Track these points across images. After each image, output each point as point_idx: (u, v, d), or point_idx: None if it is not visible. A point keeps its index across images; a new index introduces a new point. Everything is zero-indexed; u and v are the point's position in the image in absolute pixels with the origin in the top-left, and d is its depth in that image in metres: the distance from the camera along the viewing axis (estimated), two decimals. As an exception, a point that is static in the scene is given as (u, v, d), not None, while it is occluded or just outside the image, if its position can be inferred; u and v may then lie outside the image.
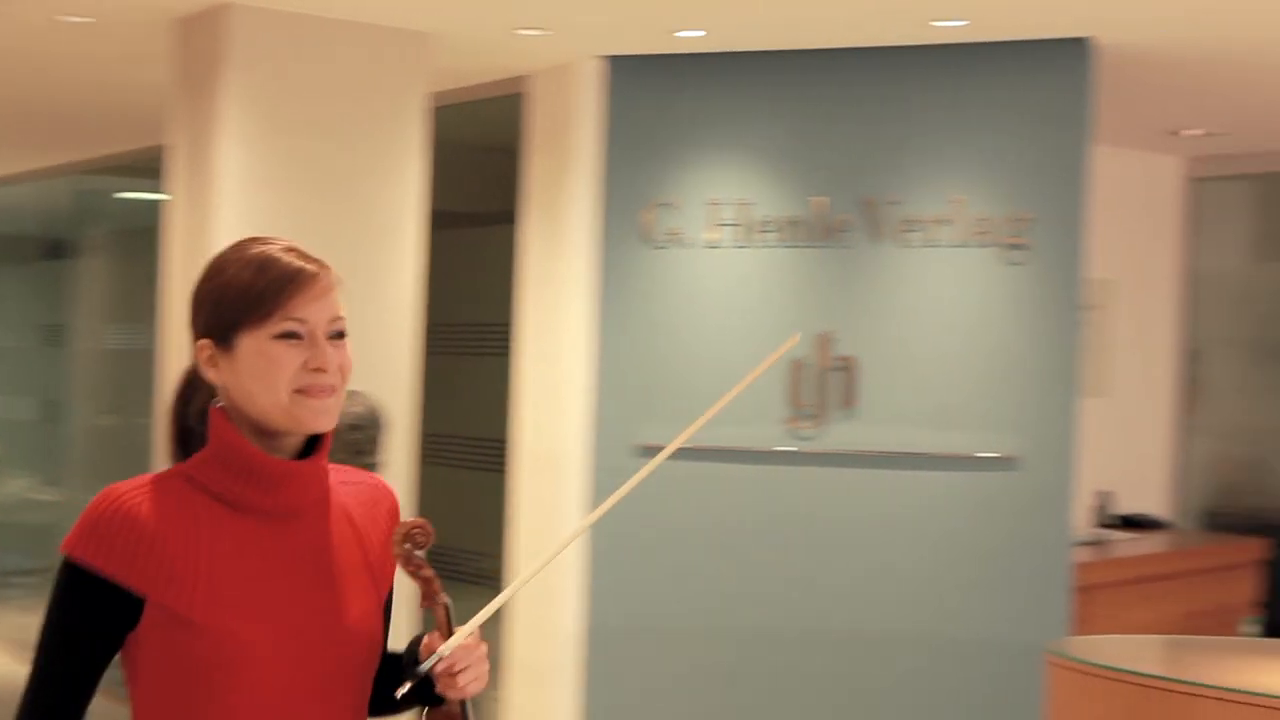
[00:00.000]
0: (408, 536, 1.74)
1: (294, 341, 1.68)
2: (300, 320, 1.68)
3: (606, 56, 4.88)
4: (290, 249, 1.72)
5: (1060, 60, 4.53)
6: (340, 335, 1.72)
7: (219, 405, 1.71)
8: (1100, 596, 4.98)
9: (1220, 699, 3.08)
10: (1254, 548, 6.00)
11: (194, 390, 1.77)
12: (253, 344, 1.67)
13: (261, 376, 1.67)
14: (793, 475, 4.68)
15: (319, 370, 1.68)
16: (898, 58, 4.65)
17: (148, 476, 1.70)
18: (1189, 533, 6.51)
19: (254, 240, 1.74)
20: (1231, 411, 6.47)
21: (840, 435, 4.65)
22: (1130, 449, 6.37)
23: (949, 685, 4.54)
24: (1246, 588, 5.94)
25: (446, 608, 1.77)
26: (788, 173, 4.75)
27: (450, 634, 1.73)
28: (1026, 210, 4.54)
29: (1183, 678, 3.25)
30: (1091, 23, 4.37)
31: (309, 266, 1.70)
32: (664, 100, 4.86)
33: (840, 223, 4.67)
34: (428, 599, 1.77)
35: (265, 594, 1.69)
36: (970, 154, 4.65)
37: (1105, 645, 3.83)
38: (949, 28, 4.38)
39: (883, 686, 4.57)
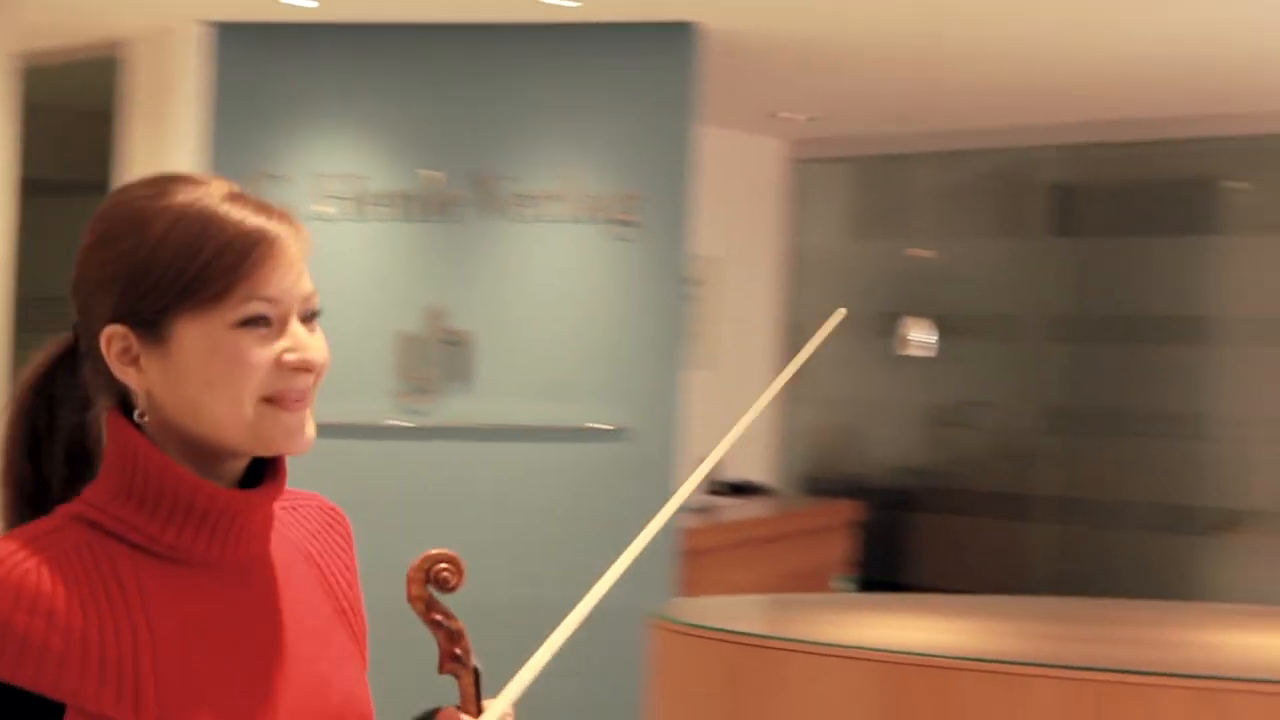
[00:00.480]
0: (433, 576, 1.31)
1: (261, 330, 1.21)
2: (269, 300, 1.21)
3: (211, 22, 4.70)
4: (236, 195, 1.24)
5: (667, 43, 4.66)
6: (314, 316, 1.26)
7: (138, 417, 1.23)
8: (707, 560, 5.18)
9: (811, 653, 3.23)
10: (849, 510, 6.38)
11: (55, 398, 1.28)
12: (199, 334, 1.20)
13: (218, 380, 1.20)
14: (405, 450, 4.66)
15: (300, 369, 1.22)
16: (510, 35, 4.68)
17: (27, 528, 1.20)
18: (790, 497, 6.87)
19: (176, 180, 1.25)
20: (831, 383, 6.83)
21: (454, 409, 4.66)
22: (736, 419, 6.62)
23: (559, 651, 4.60)
24: (842, 547, 6.32)
25: (477, 673, 1.38)
26: (400, 146, 4.72)
27: (480, 710, 1.35)
28: (635, 188, 4.65)
29: (776, 634, 3.39)
30: (697, 8, 4.52)
31: (273, 223, 1.23)
32: (273, 70, 4.73)
33: (453, 197, 4.66)
34: (453, 662, 1.35)
35: (228, 679, 1.22)
36: (581, 132, 4.73)
37: (705, 607, 3.99)
38: (560, 7, 4.43)
39: (499, 653, 4.59)
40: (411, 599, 1.31)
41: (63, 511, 1.22)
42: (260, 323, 1.21)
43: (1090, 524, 6.20)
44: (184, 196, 1.22)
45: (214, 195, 1.24)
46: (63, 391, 1.29)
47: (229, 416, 1.21)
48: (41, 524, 1.20)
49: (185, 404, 1.21)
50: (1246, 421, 5.89)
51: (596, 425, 4.63)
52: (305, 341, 1.23)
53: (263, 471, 1.28)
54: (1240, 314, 5.92)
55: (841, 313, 1.73)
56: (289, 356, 1.22)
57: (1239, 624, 3.94)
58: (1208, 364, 6.04)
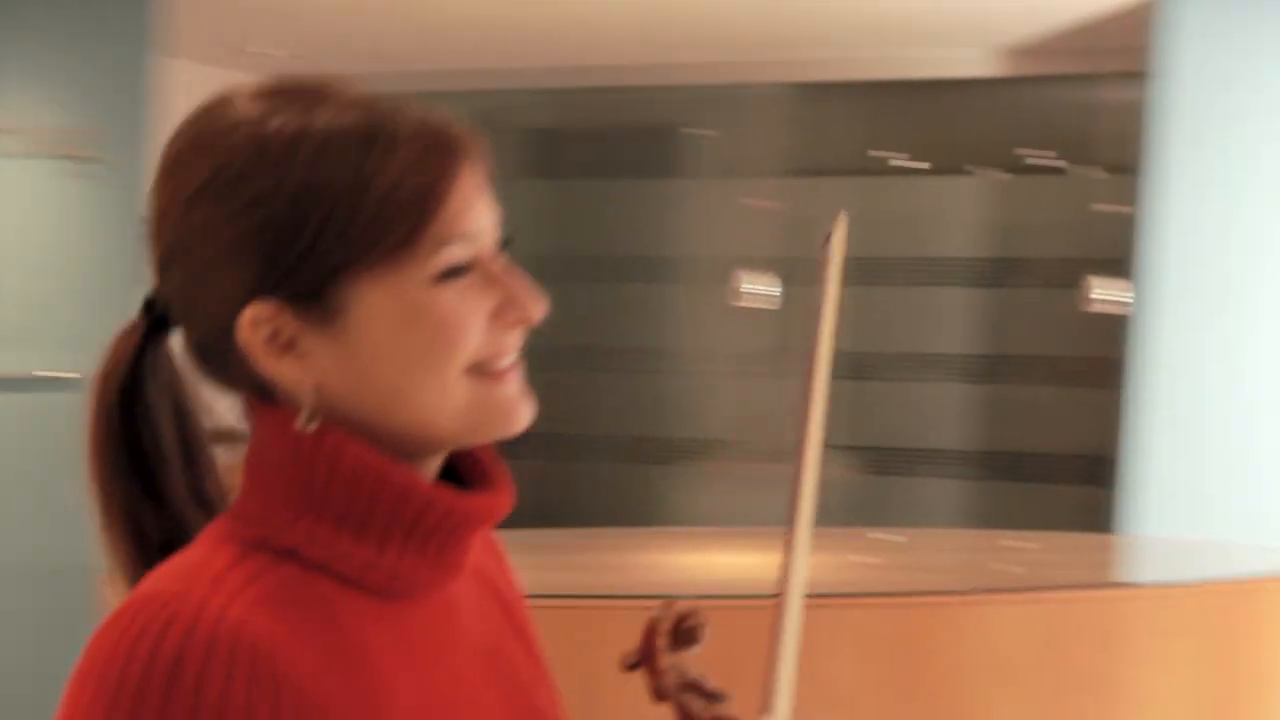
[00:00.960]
0: (682, 634, 1.03)
1: (464, 280, 0.92)
2: (468, 237, 0.92)
3: None
4: (381, 99, 0.93)
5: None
6: (506, 246, 0.97)
7: (304, 424, 0.91)
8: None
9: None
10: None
11: (150, 408, 0.96)
12: (387, 299, 0.90)
13: (421, 357, 0.91)
14: None
15: (522, 324, 0.96)
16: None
17: (220, 562, 0.88)
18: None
19: (294, 88, 0.92)
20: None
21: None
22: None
23: (3, 609, 4.40)
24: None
25: None
26: None
27: None
28: (93, 123, 4.38)
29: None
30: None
31: (451, 127, 0.93)
32: None
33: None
34: None
35: None
36: (34, 61, 4.39)
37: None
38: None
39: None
40: (658, 674, 0.99)
41: (228, 535, 0.90)
42: (461, 272, 0.91)
43: (565, 458, 6.38)
44: (325, 110, 0.89)
45: (359, 102, 0.91)
46: (156, 399, 0.95)
47: (440, 401, 0.91)
48: (212, 555, 0.88)
49: (376, 394, 0.91)
50: (706, 356, 6.25)
51: (50, 374, 4.34)
52: (519, 287, 0.94)
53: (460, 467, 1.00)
54: (701, 254, 6.27)
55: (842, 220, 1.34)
56: (509, 312, 0.94)
57: (698, 546, 4.15)
58: (671, 302, 6.35)
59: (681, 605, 1.06)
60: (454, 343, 0.91)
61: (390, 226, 0.88)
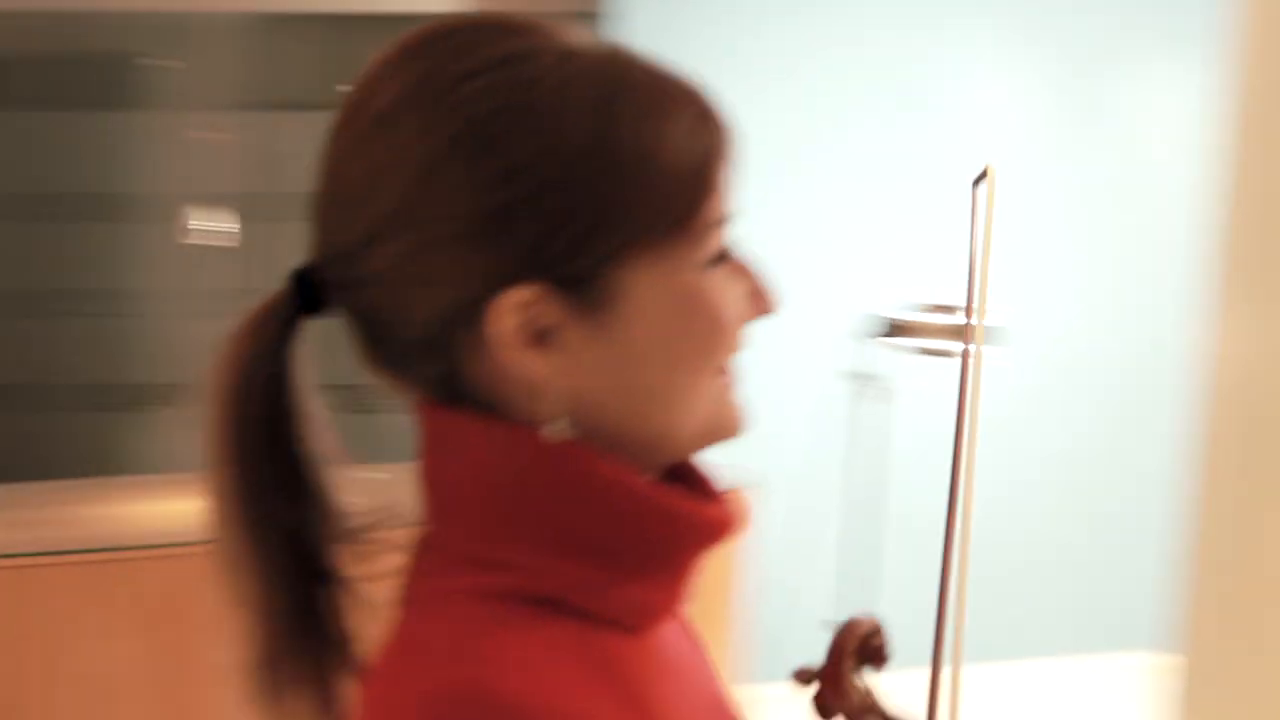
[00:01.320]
0: (869, 652, 0.93)
1: (723, 268, 0.81)
2: (730, 218, 0.81)
3: None
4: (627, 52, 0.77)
5: None
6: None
7: (549, 430, 0.76)
8: None
9: None
10: None
11: (289, 411, 0.78)
12: (661, 287, 0.77)
13: (689, 353, 0.78)
14: None
15: (764, 314, 0.83)
16: None
17: (500, 632, 0.72)
18: None
19: (541, 29, 0.76)
20: None
21: None
22: None
23: None
24: None
25: None
26: None
27: None
28: None
29: None
30: None
31: (704, 86, 0.79)
32: None
33: None
34: None
35: None
36: None
37: None
38: None
39: None
40: (842, 694, 0.89)
41: (470, 588, 0.74)
42: (723, 258, 0.80)
43: (20, 409, 6.00)
44: (581, 59, 0.74)
45: (603, 51, 0.76)
46: (299, 396, 0.80)
47: (693, 405, 0.80)
48: (480, 621, 0.73)
49: (631, 398, 0.78)
50: (164, 297, 5.98)
51: None
52: (761, 276, 0.83)
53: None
54: (158, 190, 6.01)
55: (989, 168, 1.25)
56: (756, 304, 0.83)
57: (156, 493, 4.02)
58: (127, 241, 6.04)
59: (867, 623, 1.00)
60: (723, 336, 0.81)
61: (672, 202, 0.77)
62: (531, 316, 0.76)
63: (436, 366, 0.79)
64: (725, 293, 0.81)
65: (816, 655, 1.04)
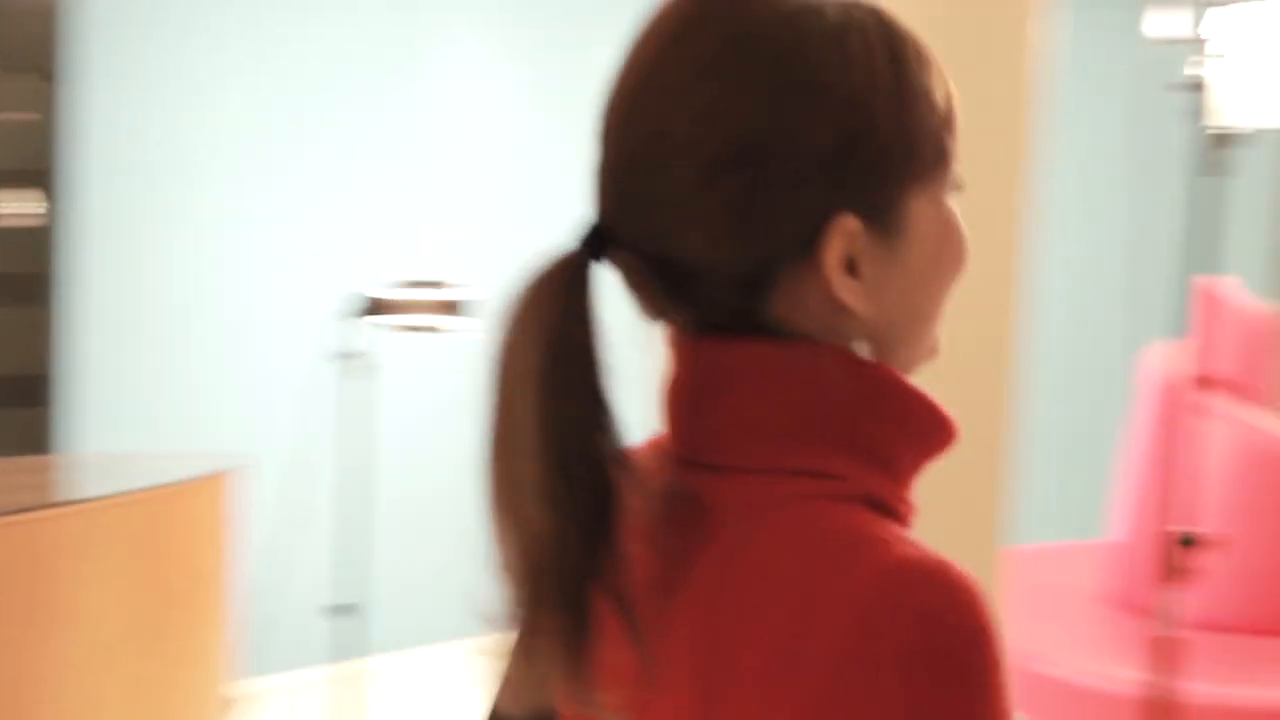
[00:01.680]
0: None
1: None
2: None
3: None
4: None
5: None
6: None
7: (846, 348, 0.84)
8: None
9: None
10: None
11: (589, 352, 0.81)
12: (932, 214, 0.85)
13: (945, 278, 0.86)
14: None
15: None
16: None
17: (885, 526, 0.77)
18: None
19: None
20: None
21: None
22: None
23: None
24: None
25: None
26: None
27: None
28: None
29: None
30: None
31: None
32: None
33: None
34: None
35: None
36: None
37: None
38: None
39: None
40: None
41: (825, 492, 0.79)
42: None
43: None
44: (857, 10, 0.82)
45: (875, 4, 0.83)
46: (596, 338, 0.81)
47: (935, 327, 0.88)
48: (866, 518, 0.77)
49: (902, 319, 0.85)
50: None
51: None
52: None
53: None
54: None
55: None
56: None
57: None
58: None
59: None
60: (966, 260, 0.87)
61: (940, 139, 0.84)
62: (851, 243, 0.81)
63: (742, 300, 0.83)
64: (958, 224, 0.86)
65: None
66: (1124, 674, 3.67)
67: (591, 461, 0.80)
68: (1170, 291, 6.21)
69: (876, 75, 0.80)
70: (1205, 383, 3.28)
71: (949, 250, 0.85)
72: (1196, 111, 2.68)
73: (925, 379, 0.88)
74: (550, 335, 0.81)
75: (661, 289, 0.84)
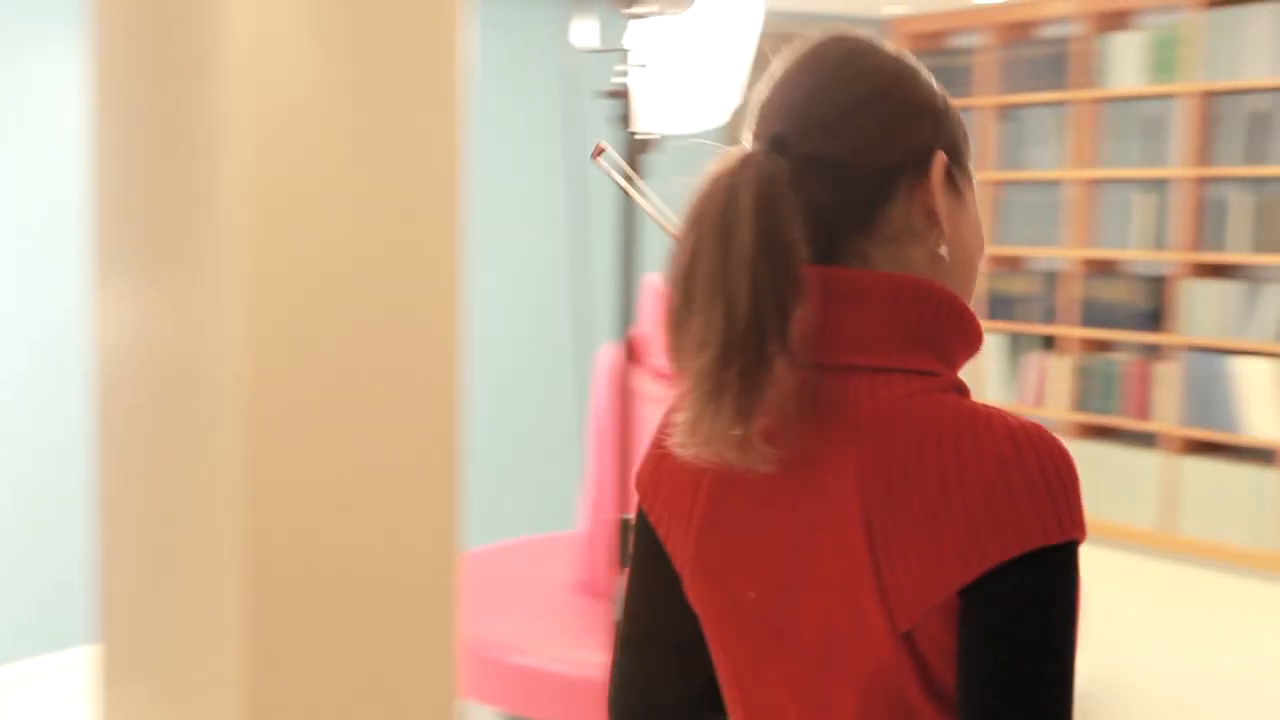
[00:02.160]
0: None
1: None
2: None
3: None
4: None
5: None
6: None
7: (945, 253, 1.17)
8: None
9: None
10: None
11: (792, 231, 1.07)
12: (969, 189, 1.21)
13: (979, 227, 1.22)
14: None
15: None
16: None
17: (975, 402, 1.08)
18: None
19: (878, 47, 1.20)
20: None
21: None
22: None
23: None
24: None
25: None
26: None
27: None
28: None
29: None
30: None
31: None
32: None
33: None
34: None
35: None
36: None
37: None
38: None
39: None
40: None
41: (929, 387, 1.11)
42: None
43: None
44: (904, 56, 1.21)
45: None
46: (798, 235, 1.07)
47: (974, 287, 1.23)
48: (959, 398, 1.10)
49: (961, 256, 1.20)
50: None
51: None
52: None
53: None
54: None
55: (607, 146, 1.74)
56: None
57: None
58: None
59: None
60: (981, 224, 1.21)
61: (966, 139, 1.20)
62: (944, 172, 1.15)
63: (875, 208, 1.14)
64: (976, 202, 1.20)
65: None
66: (588, 657, 3.83)
67: (788, 260, 1.06)
68: (614, 290, 6.50)
69: (934, 89, 1.17)
70: (640, 367, 3.38)
71: (976, 219, 1.19)
72: (622, 117, 2.78)
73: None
74: (763, 175, 1.07)
75: (816, 187, 1.13)
